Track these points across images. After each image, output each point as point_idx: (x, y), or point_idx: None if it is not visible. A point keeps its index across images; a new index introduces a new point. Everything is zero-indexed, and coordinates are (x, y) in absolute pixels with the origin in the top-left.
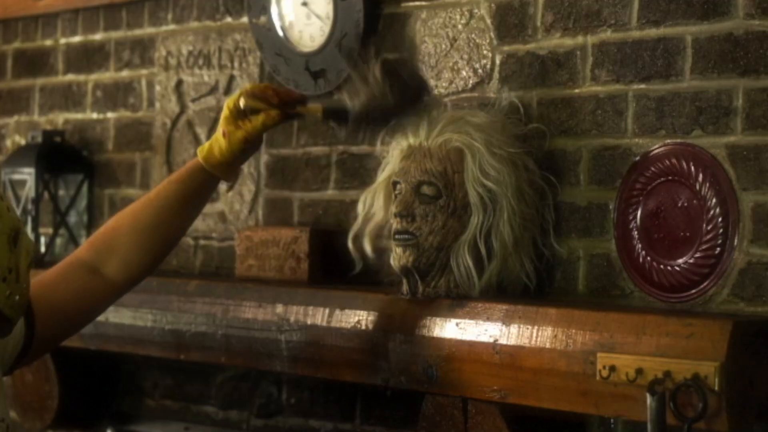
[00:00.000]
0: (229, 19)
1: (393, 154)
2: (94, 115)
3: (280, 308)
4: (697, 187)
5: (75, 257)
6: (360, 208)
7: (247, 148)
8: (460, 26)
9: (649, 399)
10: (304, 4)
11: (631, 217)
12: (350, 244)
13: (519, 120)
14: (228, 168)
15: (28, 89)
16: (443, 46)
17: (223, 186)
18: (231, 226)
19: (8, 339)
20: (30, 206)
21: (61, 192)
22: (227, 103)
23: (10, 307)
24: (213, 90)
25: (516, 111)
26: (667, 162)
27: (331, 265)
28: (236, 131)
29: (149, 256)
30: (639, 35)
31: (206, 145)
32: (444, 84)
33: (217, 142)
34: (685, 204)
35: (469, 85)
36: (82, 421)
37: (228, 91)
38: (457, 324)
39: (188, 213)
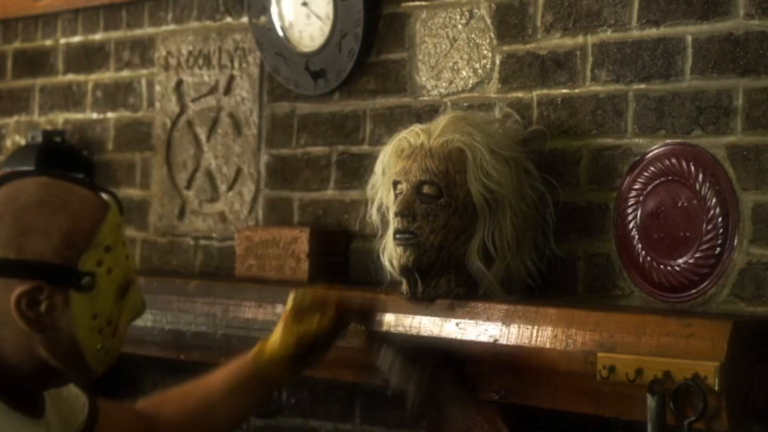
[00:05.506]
0: (229, 19)
1: (387, 153)
2: (94, 115)
3: (280, 308)
4: (697, 187)
5: (139, 405)
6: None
7: (301, 351)
8: (460, 26)
9: (649, 399)
10: (304, 4)
11: (631, 217)
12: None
13: (518, 121)
14: (278, 366)
15: (28, 89)
16: (443, 46)
17: (223, 186)
18: (231, 226)
19: (72, 420)
20: None
21: None
22: (292, 297)
23: (98, 360)
24: (213, 90)
25: (517, 112)
26: (667, 162)
27: (331, 265)
28: (292, 327)
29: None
30: (639, 35)
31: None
32: (444, 84)
33: (272, 336)
34: (685, 204)
35: (469, 85)
36: None
37: (228, 91)
38: (457, 324)
39: (235, 407)
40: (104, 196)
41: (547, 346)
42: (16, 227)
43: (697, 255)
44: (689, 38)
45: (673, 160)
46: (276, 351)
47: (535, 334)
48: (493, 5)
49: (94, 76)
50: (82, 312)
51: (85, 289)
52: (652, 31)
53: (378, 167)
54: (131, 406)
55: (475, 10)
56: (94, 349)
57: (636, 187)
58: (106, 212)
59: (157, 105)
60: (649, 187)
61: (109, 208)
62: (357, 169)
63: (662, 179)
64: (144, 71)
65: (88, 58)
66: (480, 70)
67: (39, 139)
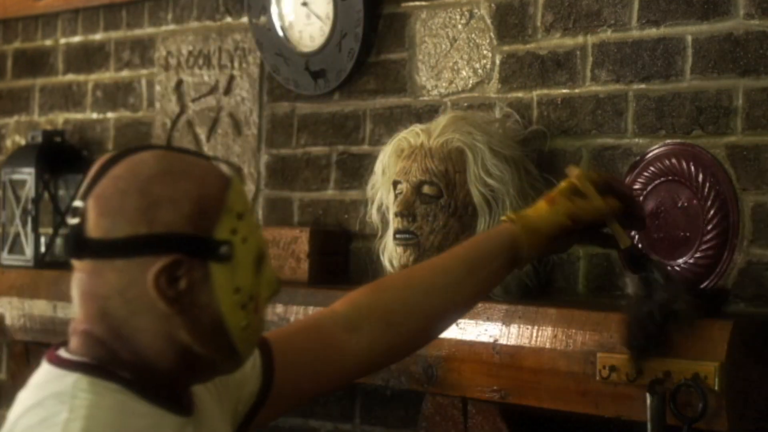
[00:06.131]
0: (229, 19)
1: (386, 153)
2: (94, 115)
3: (280, 308)
4: (697, 187)
5: (330, 308)
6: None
7: (566, 228)
8: (460, 26)
9: (649, 399)
10: (304, 4)
11: None
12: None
13: (518, 121)
14: (534, 237)
15: (28, 89)
16: (443, 46)
17: None
18: None
19: (244, 383)
20: (30, 206)
21: (61, 192)
22: (572, 177)
23: (244, 341)
24: (213, 90)
25: (517, 112)
26: (667, 162)
27: (331, 265)
28: (566, 202)
29: (408, 325)
30: (639, 35)
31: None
32: (444, 84)
33: (539, 205)
34: (685, 204)
35: (469, 85)
36: None
37: (228, 91)
38: (457, 324)
39: (469, 284)
40: (222, 165)
41: (547, 346)
42: (144, 200)
43: (697, 255)
44: (689, 38)
45: (673, 160)
46: (545, 215)
47: (535, 334)
48: (493, 5)
49: (94, 76)
50: (224, 285)
51: (224, 258)
52: (652, 31)
53: (378, 167)
54: (320, 311)
55: (475, 10)
56: (240, 327)
57: (636, 187)
58: (229, 179)
59: (157, 105)
60: (649, 187)
61: (231, 175)
62: (357, 169)
63: (662, 179)
64: (144, 71)
65: (88, 58)
66: (480, 70)
67: (39, 139)
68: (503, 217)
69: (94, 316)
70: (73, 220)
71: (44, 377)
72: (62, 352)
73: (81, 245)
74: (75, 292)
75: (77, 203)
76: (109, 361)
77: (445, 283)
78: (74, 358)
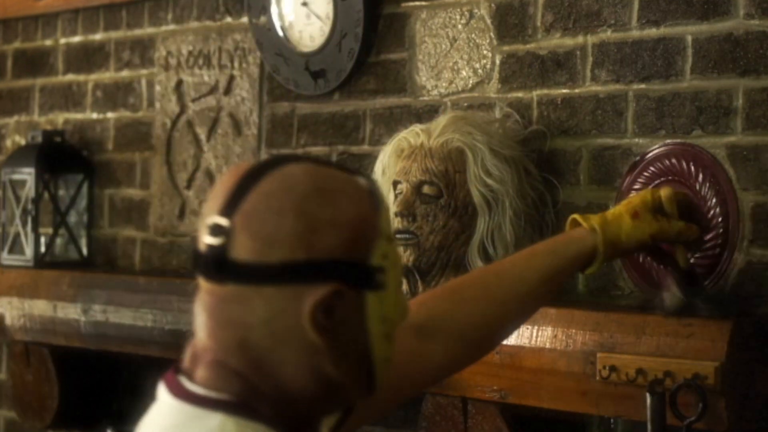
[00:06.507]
0: (229, 19)
1: (387, 153)
2: (94, 115)
3: None
4: (697, 187)
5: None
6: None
7: (645, 247)
8: (460, 26)
9: (649, 399)
10: (304, 4)
11: None
12: None
13: (518, 121)
14: (611, 249)
15: (28, 89)
16: (443, 46)
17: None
18: None
19: None
20: (30, 206)
21: (61, 192)
22: (654, 193)
23: (382, 373)
24: (213, 90)
25: (517, 112)
26: (667, 162)
27: None
28: (652, 221)
29: (481, 338)
30: (639, 35)
31: (597, 216)
32: (444, 84)
33: (622, 218)
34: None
35: (469, 85)
36: (82, 421)
37: (228, 91)
38: None
39: (541, 293)
40: (361, 179)
41: (547, 346)
42: (302, 222)
43: (696, 255)
44: (689, 38)
45: (673, 160)
46: (629, 231)
47: (535, 334)
48: (493, 5)
49: (94, 76)
50: (374, 315)
51: (379, 287)
52: (652, 31)
53: (378, 167)
54: None
55: (475, 10)
56: (383, 359)
57: (636, 187)
58: (379, 198)
59: (157, 105)
60: (649, 187)
61: (378, 194)
62: (357, 170)
63: (662, 179)
64: (144, 71)
65: (88, 58)
66: (480, 70)
67: (39, 139)
68: (579, 219)
69: (231, 346)
70: (214, 240)
71: (179, 418)
72: (192, 386)
73: (225, 268)
74: (205, 318)
75: (220, 221)
76: (250, 397)
77: (521, 292)
78: (213, 396)
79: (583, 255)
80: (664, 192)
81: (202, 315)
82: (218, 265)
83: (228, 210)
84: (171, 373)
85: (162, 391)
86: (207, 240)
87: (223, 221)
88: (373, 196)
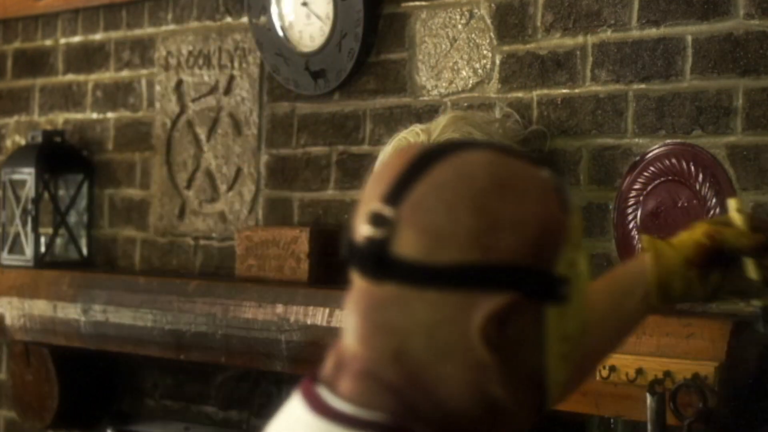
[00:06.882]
0: (229, 19)
1: (387, 153)
2: (94, 115)
3: (280, 308)
4: (697, 187)
5: None
6: None
7: (702, 247)
8: (460, 26)
9: (649, 399)
10: (304, 4)
11: (631, 217)
12: None
13: (518, 121)
14: (663, 259)
15: (28, 89)
16: (443, 46)
17: (223, 186)
18: (231, 226)
19: None
20: (30, 206)
21: (61, 192)
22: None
23: (555, 398)
24: (213, 90)
25: (517, 112)
26: (667, 162)
27: (331, 265)
28: (704, 223)
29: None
30: (639, 35)
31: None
32: (444, 84)
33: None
34: (685, 204)
35: (469, 85)
36: (82, 421)
37: (228, 91)
38: None
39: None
40: (545, 172)
41: None
42: (479, 219)
43: None
44: (689, 38)
45: (673, 160)
46: (675, 241)
47: None
48: (493, 5)
49: (94, 76)
50: (553, 332)
51: (563, 300)
52: (652, 31)
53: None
54: None
55: (475, 10)
56: (558, 383)
57: (636, 187)
58: (568, 197)
59: (157, 105)
60: (649, 187)
61: (568, 192)
62: (357, 169)
63: (662, 179)
64: (144, 71)
65: (88, 58)
66: (480, 70)
67: (39, 139)
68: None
69: (385, 356)
70: (374, 231)
71: None
72: (336, 401)
73: (386, 265)
74: (357, 320)
75: (383, 210)
76: (405, 417)
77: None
78: (363, 416)
79: (638, 280)
80: (734, 201)
81: (353, 317)
82: (378, 261)
83: (393, 198)
84: (308, 381)
85: (298, 404)
86: (366, 231)
87: (387, 211)
88: (561, 195)
